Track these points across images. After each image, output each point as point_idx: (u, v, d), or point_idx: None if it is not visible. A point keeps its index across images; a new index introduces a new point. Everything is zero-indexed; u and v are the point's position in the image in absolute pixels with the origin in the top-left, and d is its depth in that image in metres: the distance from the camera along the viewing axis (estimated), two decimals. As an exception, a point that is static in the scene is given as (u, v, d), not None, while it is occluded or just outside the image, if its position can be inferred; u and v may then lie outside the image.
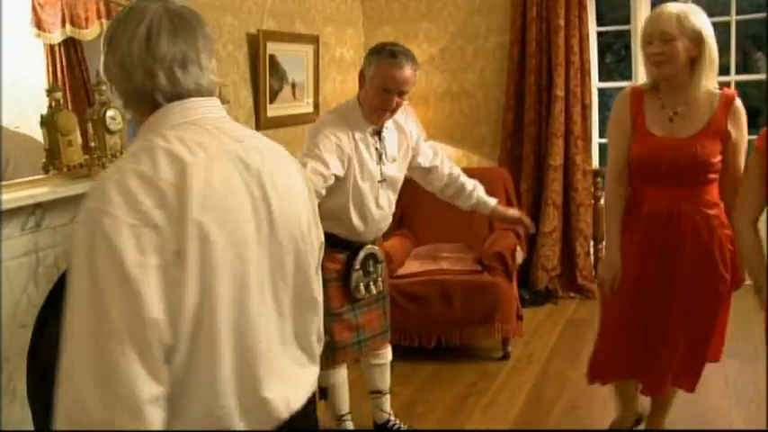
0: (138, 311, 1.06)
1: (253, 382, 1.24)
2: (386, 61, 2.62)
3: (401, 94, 2.66)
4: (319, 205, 2.72)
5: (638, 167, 2.51)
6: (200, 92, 1.29)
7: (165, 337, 1.09)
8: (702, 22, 2.37)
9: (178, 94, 1.26)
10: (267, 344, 1.27)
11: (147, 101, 1.27)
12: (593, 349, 2.74)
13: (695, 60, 2.36)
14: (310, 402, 1.41)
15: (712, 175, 2.45)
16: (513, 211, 3.18)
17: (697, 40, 2.34)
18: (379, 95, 2.65)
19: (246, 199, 1.23)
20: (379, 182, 2.78)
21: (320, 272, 1.47)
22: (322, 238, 1.48)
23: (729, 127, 2.42)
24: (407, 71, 2.63)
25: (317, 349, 1.47)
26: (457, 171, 3.05)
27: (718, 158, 2.43)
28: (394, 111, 2.71)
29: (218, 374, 1.18)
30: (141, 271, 1.07)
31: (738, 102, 2.46)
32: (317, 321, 1.46)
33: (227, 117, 1.34)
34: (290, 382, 1.33)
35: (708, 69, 2.38)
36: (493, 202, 3.06)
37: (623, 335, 2.60)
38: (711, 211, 2.46)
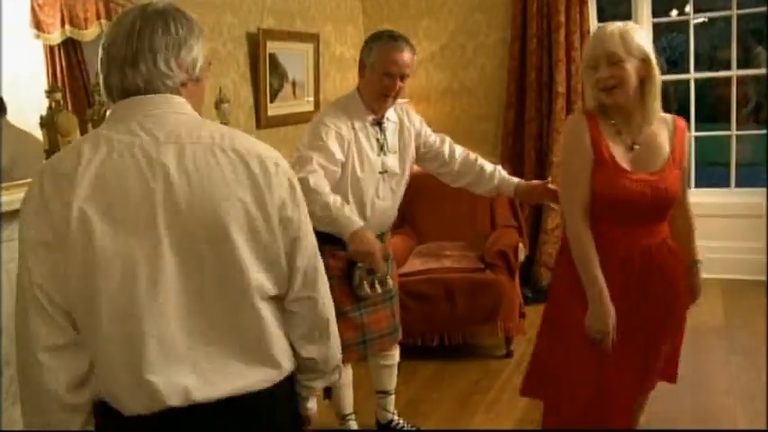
0: (29, 277, 1.31)
1: (137, 364, 1.31)
2: (387, 46, 2.66)
3: (402, 77, 2.69)
4: None
5: (607, 206, 2.19)
6: (152, 89, 1.39)
7: (55, 299, 1.31)
8: (646, 39, 2.19)
9: (126, 92, 1.38)
10: (162, 330, 1.32)
11: (109, 98, 1.43)
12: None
13: (644, 82, 2.16)
14: (259, 401, 1.43)
15: (670, 210, 2.28)
16: (537, 182, 2.96)
17: (644, 59, 2.14)
18: (381, 81, 2.68)
19: (139, 190, 1.32)
20: (380, 173, 2.78)
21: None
22: (303, 234, 1.49)
23: (684, 155, 2.26)
24: (408, 54, 2.69)
25: (272, 350, 1.45)
26: (474, 155, 2.99)
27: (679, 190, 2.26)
28: (396, 96, 2.74)
29: (100, 351, 1.34)
30: (31, 247, 1.32)
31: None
32: (268, 319, 1.44)
33: (180, 113, 1.41)
34: (205, 373, 1.36)
35: (658, 91, 2.19)
36: (515, 180, 2.93)
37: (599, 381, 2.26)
38: (673, 244, 2.30)
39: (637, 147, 2.20)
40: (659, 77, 2.18)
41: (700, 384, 3.43)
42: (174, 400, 1.33)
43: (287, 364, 1.49)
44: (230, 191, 1.37)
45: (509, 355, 3.97)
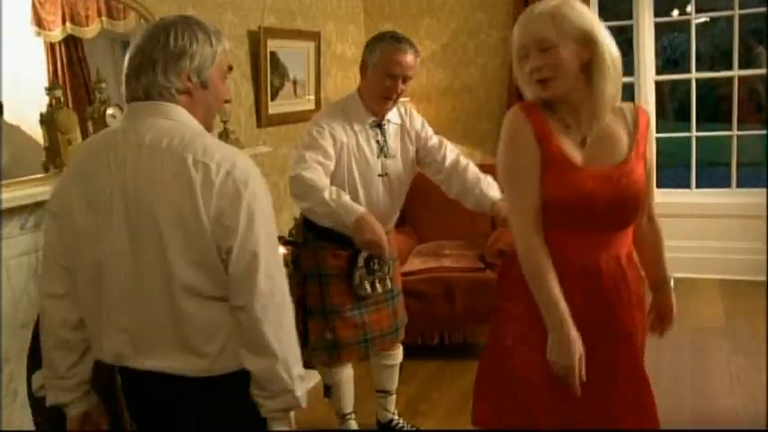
0: (45, 237, 1.69)
1: (96, 324, 1.65)
2: (391, 47, 2.65)
3: (405, 79, 2.68)
4: None
5: (559, 210, 1.82)
6: (150, 97, 1.59)
7: (58, 257, 1.65)
8: (585, 15, 1.80)
9: (132, 99, 1.61)
10: (113, 302, 1.60)
11: (126, 103, 1.66)
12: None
13: (589, 66, 1.79)
14: (190, 386, 1.60)
15: (637, 213, 1.91)
16: None
17: (584, 39, 1.77)
18: (383, 82, 2.66)
19: (104, 180, 1.57)
20: (379, 175, 2.77)
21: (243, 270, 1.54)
22: (240, 243, 1.53)
23: (647, 150, 1.92)
24: (411, 56, 2.68)
25: (198, 345, 1.57)
26: (464, 162, 2.91)
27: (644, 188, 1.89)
28: (397, 98, 2.73)
29: (81, 306, 1.67)
30: (48, 215, 1.68)
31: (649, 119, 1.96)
32: (194, 315, 1.56)
33: (167, 119, 1.58)
34: (139, 345, 1.60)
35: (611, 74, 1.80)
36: (494, 196, 2.80)
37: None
38: (636, 255, 1.99)
39: (586, 141, 1.86)
40: (614, 58, 1.81)
41: (700, 385, 3.43)
42: (110, 360, 1.65)
43: (223, 363, 1.58)
44: (166, 192, 1.52)
45: (509, 354, 3.96)
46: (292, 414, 1.73)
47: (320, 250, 2.79)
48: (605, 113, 1.85)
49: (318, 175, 2.54)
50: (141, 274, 1.55)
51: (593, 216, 1.82)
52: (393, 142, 2.82)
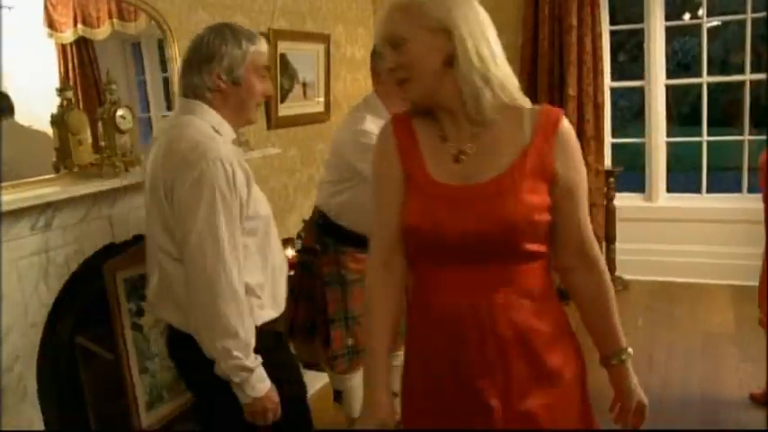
0: None
1: None
2: None
3: None
4: (344, 201, 2.72)
5: (416, 237, 1.51)
6: (192, 94, 1.93)
7: None
8: (449, 3, 1.47)
9: (179, 94, 1.98)
10: (148, 267, 2.06)
11: None
12: None
13: (453, 64, 1.46)
14: (182, 339, 1.94)
15: (535, 245, 1.47)
16: None
17: (442, 30, 1.45)
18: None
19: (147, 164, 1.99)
20: None
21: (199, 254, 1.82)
22: (185, 214, 1.83)
23: (557, 163, 1.48)
24: None
25: (179, 301, 1.93)
26: None
27: (543, 214, 1.47)
28: None
29: None
30: None
31: (566, 123, 1.51)
32: (172, 276, 1.91)
33: (187, 114, 1.93)
34: (155, 298, 2.03)
35: (480, 67, 1.46)
36: None
37: None
38: (537, 304, 1.50)
39: (464, 157, 1.50)
40: (482, 53, 1.47)
41: (711, 392, 3.41)
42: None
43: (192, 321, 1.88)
44: (158, 173, 1.88)
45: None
46: (250, 381, 1.87)
47: (341, 255, 2.78)
48: (485, 118, 1.49)
49: None
50: (148, 241, 2.00)
51: (451, 244, 1.46)
52: None
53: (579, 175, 1.51)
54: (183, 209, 1.81)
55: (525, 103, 1.54)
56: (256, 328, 1.90)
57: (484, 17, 1.52)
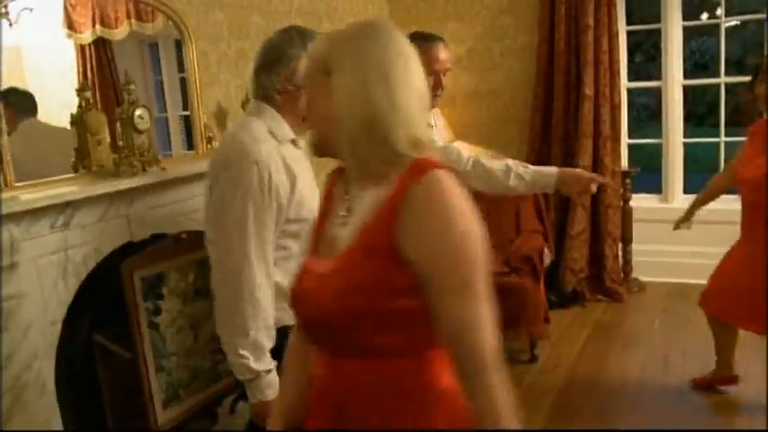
0: None
1: None
2: (430, 44, 2.67)
3: (445, 72, 2.71)
4: None
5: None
6: (262, 96, 1.96)
7: None
8: (334, 42, 1.28)
9: (253, 95, 1.99)
10: None
11: None
12: None
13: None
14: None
15: (391, 337, 1.21)
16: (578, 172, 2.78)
17: (326, 71, 1.24)
18: (428, 79, 2.66)
19: None
20: None
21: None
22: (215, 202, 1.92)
23: (401, 235, 1.17)
24: (444, 49, 2.73)
25: None
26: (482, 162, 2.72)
27: (384, 300, 1.19)
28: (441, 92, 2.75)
29: None
30: None
31: (429, 185, 1.17)
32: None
33: (248, 115, 2.00)
34: None
35: (366, 116, 1.20)
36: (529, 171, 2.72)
37: None
38: (411, 403, 1.25)
39: (340, 221, 1.31)
40: (367, 97, 1.20)
41: (727, 394, 3.38)
42: None
43: None
44: (210, 169, 1.97)
45: (533, 359, 3.93)
46: (258, 384, 1.87)
47: None
48: (362, 175, 1.26)
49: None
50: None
51: (314, 329, 1.30)
52: (438, 137, 2.86)
53: (437, 258, 1.16)
54: (217, 206, 1.87)
55: (429, 152, 1.24)
56: (283, 329, 1.87)
57: (395, 54, 1.23)
